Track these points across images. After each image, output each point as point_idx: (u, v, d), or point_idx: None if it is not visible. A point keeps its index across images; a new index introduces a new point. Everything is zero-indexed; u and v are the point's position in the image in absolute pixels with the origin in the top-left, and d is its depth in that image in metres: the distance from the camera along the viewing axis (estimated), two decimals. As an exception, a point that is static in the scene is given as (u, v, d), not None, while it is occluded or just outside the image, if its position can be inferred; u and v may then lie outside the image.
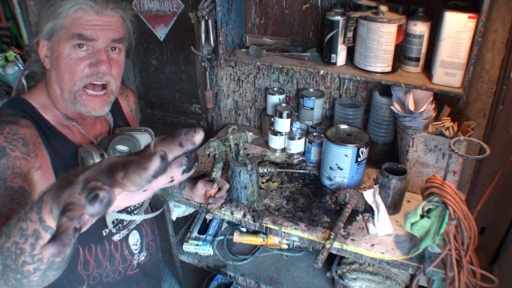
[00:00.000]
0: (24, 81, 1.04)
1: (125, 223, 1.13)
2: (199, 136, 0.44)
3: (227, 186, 1.32)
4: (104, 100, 0.98)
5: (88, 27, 0.90)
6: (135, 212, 1.16)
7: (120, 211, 1.10)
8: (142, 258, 1.21)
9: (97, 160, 0.92)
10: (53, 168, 0.92)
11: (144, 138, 1.08)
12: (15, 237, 0.58)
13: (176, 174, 0.44)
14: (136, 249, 1.17)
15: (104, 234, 1.07)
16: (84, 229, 0.48)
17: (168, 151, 0.44)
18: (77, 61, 0.92)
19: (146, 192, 0.50)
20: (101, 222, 1.05)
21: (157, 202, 1.28)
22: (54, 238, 0.39)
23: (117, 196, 0.46)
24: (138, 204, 1.17)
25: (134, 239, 1.17)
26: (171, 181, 0.45)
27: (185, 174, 0.45)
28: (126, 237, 1.14)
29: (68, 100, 0.96)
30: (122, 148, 1.01)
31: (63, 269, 0.65)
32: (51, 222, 0.52)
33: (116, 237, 1.11)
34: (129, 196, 0.49)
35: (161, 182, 0.46)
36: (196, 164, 0.45)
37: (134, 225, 1.16)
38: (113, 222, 1.07)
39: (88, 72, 0.93)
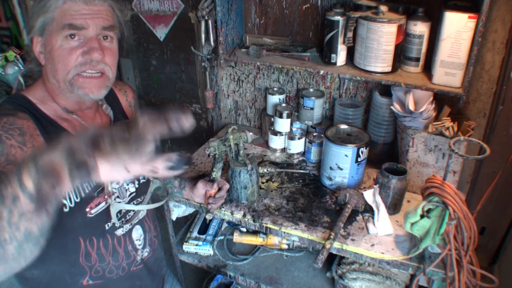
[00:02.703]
0: (21, 80, 1.05)
1: (128, 217, 1.14)
2: (188, 119, 0.46)
3: (227, 186, 1.32)
4: (100, 82, 0.98)
5: (78, 17, 0.92)
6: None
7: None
8: (146, 254, 1.21)
9: None
10: None
11: None
12: None
13: (160, 167, 0.46)
14: (139, 245, 1.18)
15: (107, 227, 1.08)
16: (63, 191, 0.51)
17: (154, 127, 0.46)
18: (69, 51, 0.92)
19: (127, 174, 0.51)
20: (104, 215, 1.05)
21: (156, 200, 1.28)
22: (35, 201, 0.42)
23: (99, 166, 0.49)
24: (140, 198, 1.18)
25: (138, 234, 1.17)
26: (154, 171, 0.47)
27: (170, 171, 0.46)
28: (130, 231, 1.14)
29: (65, 89, 0.96)
30: None
31: (41, 246, 0.64)
32: (30, 184, 0.53)
33: (119, 231, 1.11)
34: (109, 171, 0.50)
35: (144, 169, 0.48)
36: (187, 166, 0.47)
37: (137, 220, 1.17)
38: (116, 215, 1.08)
39: (82, 61, 0.94)
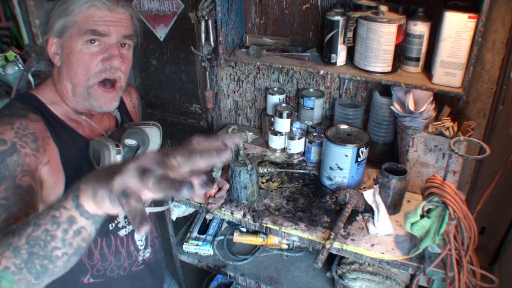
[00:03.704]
0: (31, 79, 1.06)
1: None
2: (237, 138, 0.54)
3: (227, 186, 1.32)
4: (114, 96, 1.01)
5: (101, 23, 0.93)
6: None
7: None
8: (147, 254, 1.21)
9: (113, 151, 0.96)
10: (61, 161, 0.94)
11: (152, 132, 1.10)
12: (46, 225, 0.61)
13: (194, 183, 0.51)
14: (141, 245, 1.18)
15: (111, 228, 1.08)
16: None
17: (208, 145, 0.52)
18: (90, 56, 0.94)
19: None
20: (109, 215, 1.05)
21: (158, 201, 1.28)
22: (140, 222, 0.49)
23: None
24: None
25: (139, 235, 1.17)
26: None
27: (200, 188, 0.51)
28: (132, 232, 1.15)
29: (81, 95, 0.97)
30: (130, 142, 1.03)
31: (82, 254, 0.68)
32: (90, 207, 0.59)
33: (122, 232, 1.11)
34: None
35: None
36: (211, 185, 0.52)
37: None
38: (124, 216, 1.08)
39: (101, 68, 0.95)
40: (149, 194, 0.55)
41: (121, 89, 1.02)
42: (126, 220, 1.12)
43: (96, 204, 0.57)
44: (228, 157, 0.50)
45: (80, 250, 0.65)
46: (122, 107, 1.19)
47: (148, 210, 1.18)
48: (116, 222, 1.07)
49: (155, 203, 1.23)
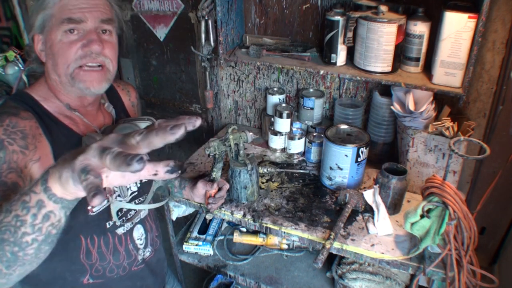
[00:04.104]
0: (25, 78, 1.06)
1: (129, 216, 1.14)
2: (198, 122, 0.54)
3: (227, 186, 1.32)
4: (101, 75, 0.99)
5: (76, 10, 0.93)
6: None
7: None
8: (147, 254, 1.21)
9: None
10: (54, 158, 0.94)
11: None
12: (16, 211, 0.63)
13: (160, 171, 0.53)
14: (141, 244, 1.18)
15: (108, 226, 1.08)
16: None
17: (167, 125, 0.52)
18: (69, 44, 0.94)
19: (134, 176, 0.57)
20: (105, 213, 1.05)
21: (156, 200, 1.28)
22: (94, 195, 0.48)
23: (111, 173, 0.55)
24: (142, 198, 1.17)
25: (139, 233, 1.17)
26: (155, 174, 0.53)
27: (167, 174, 0.53)
28: (131, 230, 1.14)
29: (67, 83, 0.97)
30: None
31: (54, 244, 0.69)
32: (57, 189, 0.59)
33: (120, 230, 1.11)
34: (121, 174, 0.56)
35: (146, 172, 0.53)
36: (180, 171, 0.53)
37: (139, 219, 1.17)
38: (117, 214, 1.07)
39: (81, 54, 0.94)
40: (117, 179, 0.57)
41: (110, 72, 1.00)
42: (123, 219, 1.11)
43: (62, 186, 0.58)
44: (182, 134, 0.51)
45: (51, 237, 0.66)
46: (119, 104, 1.19)
47: (146, 207, 1.17)
48: (113, 221, 1.07)
49: (153, 199, 1.23)
